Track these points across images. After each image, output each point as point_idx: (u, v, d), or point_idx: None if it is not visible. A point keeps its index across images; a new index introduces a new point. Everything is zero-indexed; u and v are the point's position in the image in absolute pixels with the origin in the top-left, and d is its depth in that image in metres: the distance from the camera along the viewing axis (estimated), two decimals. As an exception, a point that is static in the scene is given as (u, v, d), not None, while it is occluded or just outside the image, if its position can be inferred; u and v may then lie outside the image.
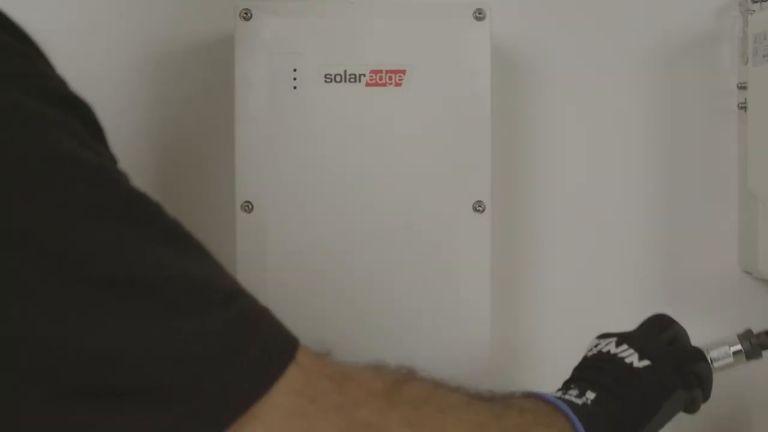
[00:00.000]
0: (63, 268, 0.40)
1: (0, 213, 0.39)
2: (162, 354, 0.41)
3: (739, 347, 0.82)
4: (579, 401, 0.69)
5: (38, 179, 0.40)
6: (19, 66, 0.43)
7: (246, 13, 0.88)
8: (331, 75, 0.88)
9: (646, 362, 0.72)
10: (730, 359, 0.82)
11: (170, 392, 0.42)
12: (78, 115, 0.44)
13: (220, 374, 0.42)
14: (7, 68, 0.42)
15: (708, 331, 1.04)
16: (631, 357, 0.73)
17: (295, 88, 0.88)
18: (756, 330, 0.83)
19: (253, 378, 0.44)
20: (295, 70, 0.88)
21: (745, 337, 0.82)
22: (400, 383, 0.54)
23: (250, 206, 0.88)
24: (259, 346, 0.45)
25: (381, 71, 0.88)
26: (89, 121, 0.45)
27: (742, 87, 0.99)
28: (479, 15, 0.88)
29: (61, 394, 0.40)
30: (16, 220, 0.39)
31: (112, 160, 0.46)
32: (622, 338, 0.76)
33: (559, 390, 0.75)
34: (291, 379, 0.46)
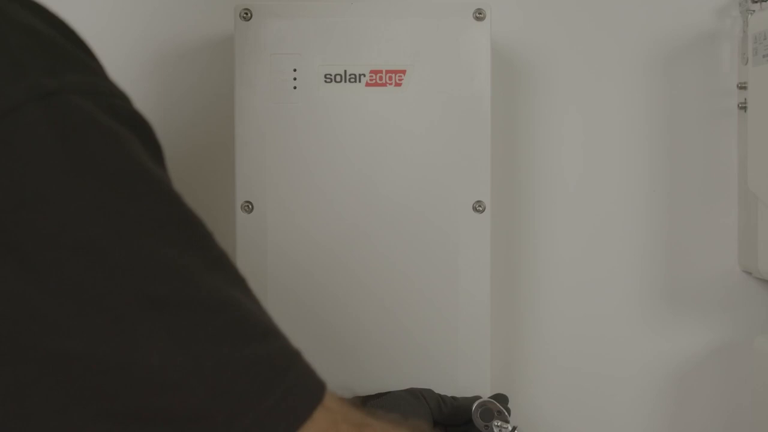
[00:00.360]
0: (124, 282, 0.40)
1: (74, 219, 0.39)
2: (209, 381, 0.41)
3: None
4: None
5: (114, 190, 0.40)
6: (92, 82, 0.43)
7: (246, 13, 0.88)
8: (331, 75, 0.88)
9: None
10: None
11: (212, 420, 0.42)
12: (140, 134, 0.44)
13: (253, 408, 0.43)
14: (82, 84, 0.42)
15: (708, 331, 1.05)
16: None
17: (295, 88, 0.88)
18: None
19: (284, 416, 0.44)
20: (295, 70, 0.88)
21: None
22: None
23: (250, 206, 0.88)
24: (291, 386, 0.45)
25: (381, 71, 0.88)
26: (151, 140, 0.46)
27: (742, 87, 0.99)
28: (479, 15, 0.88)
29: (108, 414, 0.40)
30: (89, 227, 0.39)
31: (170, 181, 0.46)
32: None
33: None
34: (318, 421, 0.46)
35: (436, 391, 0.85)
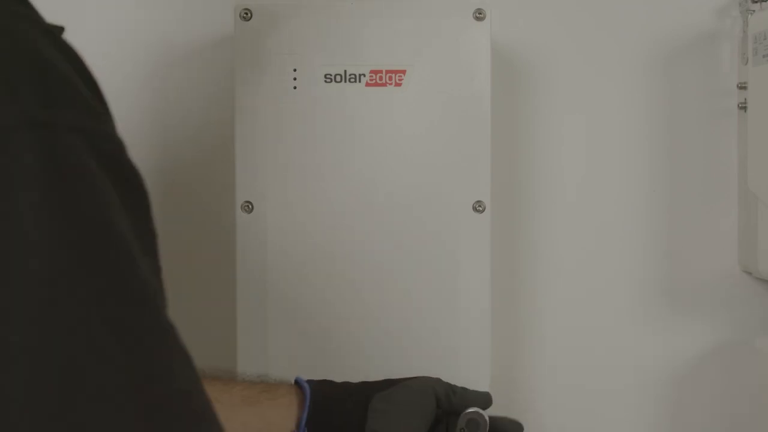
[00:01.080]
0: (45, 345, 0.38)
1: (24, 256, 0.38)
2: None
3: None
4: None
5: (74, 242, 0.39)
6: (86, 123, 0.42)
7: (246, 13, 0.88)
8: (331, 75, 0.88)
9: None
10: None
11: None
12: (124, 184, 0.43)
13: None
14: (76, 122, 0.42)
15: (708, 331, 1.05)
16: None
17: (295, 88, 0.88)
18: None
19: None
20: (295, 70, 0.88)
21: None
22: None
23: (250, 206, 0.88)
24: None
25: (381, 71, 0.88)
26: (136, 190, 0.45)
27: (742, 87, 0.99)
28: (479, 15, 0.88)
29: None
30: (36, 271, 0.38)
31: (150, 234, 0.45)
32: None
33: None
34: None
35: None
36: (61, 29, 0.46)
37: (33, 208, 0.39)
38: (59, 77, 0.42)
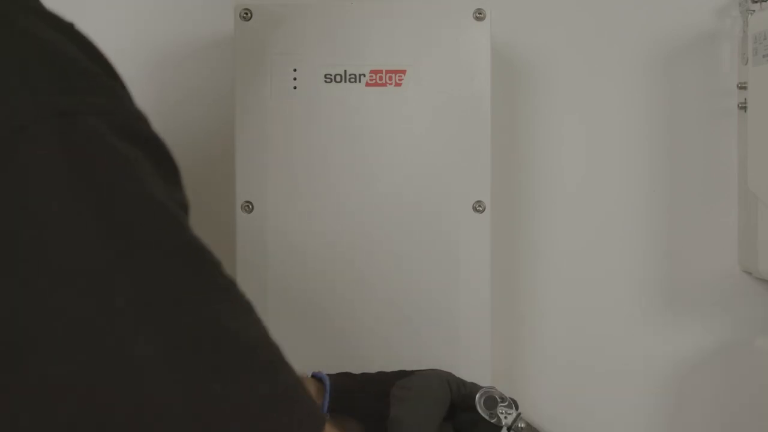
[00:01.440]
0: (124, 315, 0.39)
1: (73, 244, 0.39)
2: (226, 416, 0.41)
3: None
4: None
5: (118, 217, 0.40)
6: (109, 104, 0.43)
7: (246, 13, 0.88)
8: (331, 75, 0.88)
9: None
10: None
11: None
12: (154, 156, 0.44)
13: None
14: (99, 105, 0.42)
15: (708, 331, 1.05)
16: None
17: (295, 88, 0.88)
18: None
19: None
20: (295, 70, 0.88)
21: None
22: None
23: (250, 206, 0.88)
24: (298, 423, 0.46)
25: (381, 71, 0.88)
26: (165, 161, 0.45)
27: (742, 87, 0.99)
28: (479, 15, 0.88)
29: None
30: (87, 254, 0.39)
31: (183, 205, 0.46)
32: None
33: None
34: None
35: None
36: (70, 24, 0.47)
37: (70, 198, 0.39)
38: (75, 64, 0.42)
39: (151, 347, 0.39)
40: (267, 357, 0.45)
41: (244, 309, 0.45)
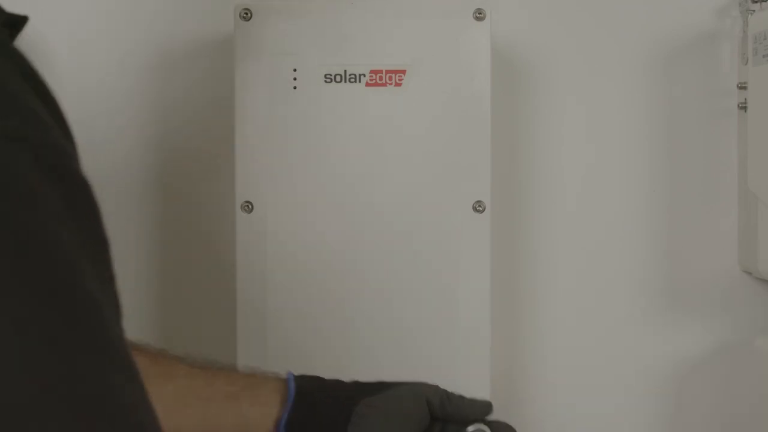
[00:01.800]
0: None
1: None
2: None
3: None
4: None
5: (18, 263, 0.37)
6: (25, 131, 0.41)
7: (246, 13, 0.88)
8: (331, 75, 0.88)
9: None
10: None
11: None
12: (69, 193, 0.41)
13: None
14: (13, 130, 0.39)
15: (708, 331, 1.05)
16: None
17: (295, 88, 0.88)
18: None
19: None
20: (295, 70, 0.88)
21: None
22: None
23: (250, 206, 0.88)
24: None
25: (381, 71, 0.88)
26: (83, 200, 0.42)
27: (742, 87, 0.99)
28: (479, 15, 0.88)
29: None
30: None
31: (100, 242, 0.42)
32: None
33: None
34: None
35: None
36: (24, 19, 0.45)
37: None
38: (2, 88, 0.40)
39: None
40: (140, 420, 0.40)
41: (126, 370, 0.41)
